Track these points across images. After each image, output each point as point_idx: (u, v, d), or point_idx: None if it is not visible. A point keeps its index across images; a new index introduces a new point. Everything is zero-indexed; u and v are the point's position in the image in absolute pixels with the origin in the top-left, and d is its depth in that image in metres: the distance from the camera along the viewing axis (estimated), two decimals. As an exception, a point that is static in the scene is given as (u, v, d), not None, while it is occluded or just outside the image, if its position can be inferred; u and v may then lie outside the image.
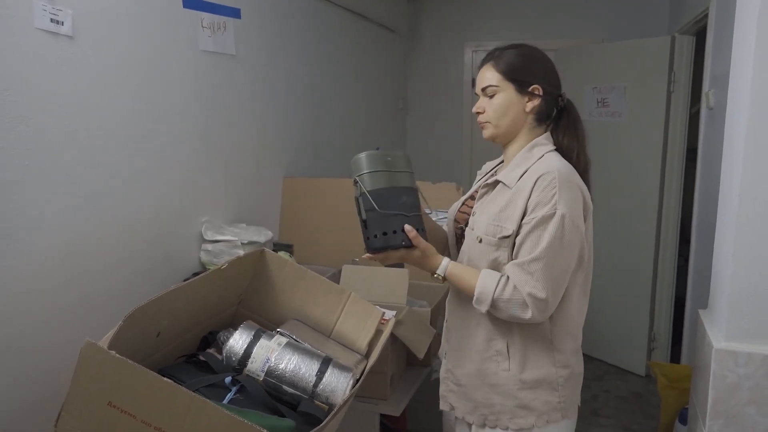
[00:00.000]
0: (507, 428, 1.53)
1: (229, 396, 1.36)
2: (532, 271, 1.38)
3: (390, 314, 1.84)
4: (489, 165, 1.73)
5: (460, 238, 1.65)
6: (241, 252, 2.16)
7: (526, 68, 1.50)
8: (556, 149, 1.52)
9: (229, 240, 2.22)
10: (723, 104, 2.54)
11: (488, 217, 1.49)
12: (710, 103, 2.87)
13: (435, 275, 1.50)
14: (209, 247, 2.24)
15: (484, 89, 1.54)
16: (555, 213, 1.38)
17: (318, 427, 1.24)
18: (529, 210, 1.42)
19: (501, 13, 4.66)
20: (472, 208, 1.62)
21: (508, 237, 1.44)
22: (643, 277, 3.75)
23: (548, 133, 1.54)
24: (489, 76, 1.53)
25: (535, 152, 1.50)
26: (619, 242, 3.76)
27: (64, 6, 1.64)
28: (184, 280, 1.58)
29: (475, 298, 1.44)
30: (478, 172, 1.77)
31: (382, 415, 1.90)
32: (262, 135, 2.72)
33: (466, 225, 1.60)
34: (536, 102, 1.50)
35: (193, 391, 1.22)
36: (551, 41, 4.49)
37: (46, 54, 1.61)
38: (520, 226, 1.43)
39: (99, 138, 1.80)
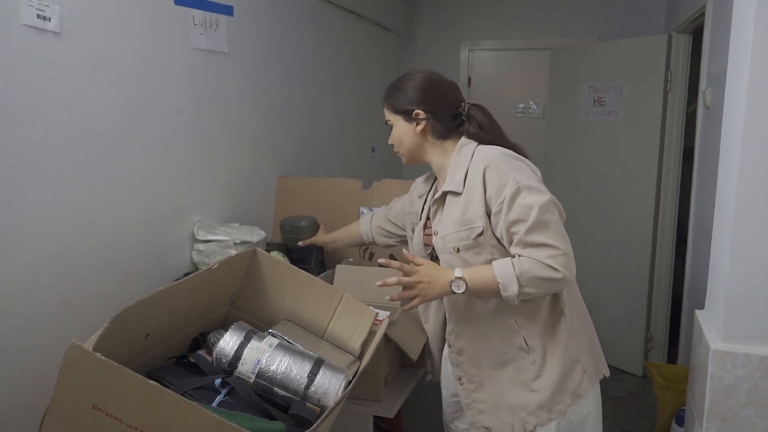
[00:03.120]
0: (548, 421, 1.54)
1: (218, 398, 1.34)
2: (534, 240, 1.43)
3: (384, 315, 1.82)
4: (421, 184, 1.81)
5: (434, 260, 1.66)
6: (234, 252, 2.14)
7: (404, 98, 1.64)
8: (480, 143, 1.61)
9: (222, 240, 2.20)
10: (720, 103, 2.52)
11: (453, 227, 1.54)
12: (707, 101, 2.85)
13: (454, 282, 1.47)
14: (201, 246, 2.22)
15: (386, 123, 1.70)
16: (518, 186, 1.45)
17: (309, 430, 1.22)
18: (492, 200, 1.48)
19: (496, 12, 4.64)
20: (431, 229, 1.66)
21: (482, 233, 1.50)
22: (640, 277, 3.73)
23: (463, 138, 1.63)
24: (385, 112, 1.69)
25: (464, 152, 1.59)
26: (616, 242, 3.74)
27: (52, 2, 1.61)
28: (176, 281, 1.56)
29: (501, 287, 1.44)
30: (413, 190, 1.85)
31: (376, 417, 1.88)
32: (255, 134, 2.69)
33: (433, 247, 1.64)
34: (423, 124, 1.62)
35: (182, 394, 1.21)
36: (547, 40, 4.49)
37: (33, 51, 1.59)
38: (488, 221, 1.49)
39: (87, 136, 1.78)
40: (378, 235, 2.05)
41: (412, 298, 1.52)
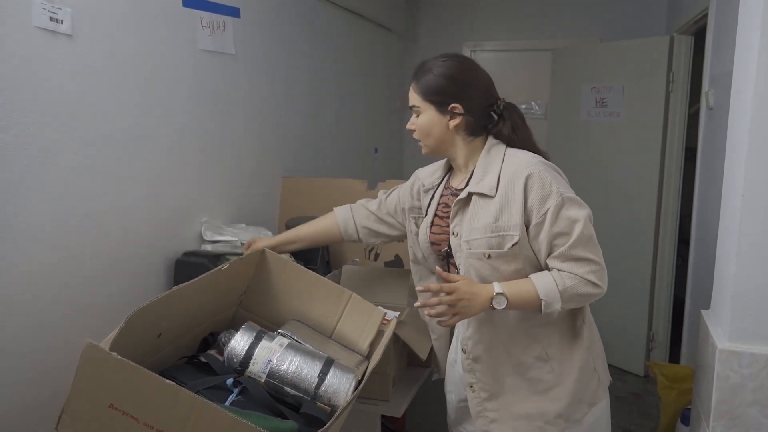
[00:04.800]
0: (564, 430, 1.52)
1: (231, 398, 1.35)
2: (578, 254, 1.42)
3: (392, 315, 1.83)
4: (427, 176, 1.69)
5: (444, 259, 1.63)
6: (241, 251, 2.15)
7: (443, 88, 1.50)
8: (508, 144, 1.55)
9: (229, 240, 2.20)
10: (722, 104, 2.54)
11: (481, 232, 1.47)
12: (710, 103, 2.87)
13: (495, 298, 1.42)
14: (209, 247, 2.22)
15: (411, 108, 1.57)
16: (562, 198, 1.42)
17: (322, 429, 1.23)
18: (532, 210, 1.43)
19: (498, 12, 4.65)
20: (443, 228, 1.60)
21: (517, 243, 1.45)
22: (642, 277, 3.75)
23: (491, 138, 1.55)
24: (412, 95, 1.56)
25: (493, 154, 1.52)
26: (618, 242, 3.75)
27: (64, 4, 1.63)
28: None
29: (543, 304, 1.42)
30: (415, 182, 1.73)
31: (382, 417, 1.89)
32: (260, 135, 2.70)
33: (449, 246, 1.58)
34: (458, 120, 1.51)
35: (195, 393, 1.21)
36: (549, 41, 4.50)
37: (45, 53, 1.60)
38: (525, 230, 1.45)
39: (97, 137, 1.79)
40: (365, 236, 1.87)
41: (448, 314, 1.45)
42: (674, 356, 3.62)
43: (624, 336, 3.79)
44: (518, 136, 1.53)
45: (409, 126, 1.59)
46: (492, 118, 1.54)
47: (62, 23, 1.62)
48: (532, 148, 1.54)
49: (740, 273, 1.57)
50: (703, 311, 1.82)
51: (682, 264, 3.58)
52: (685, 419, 2.34)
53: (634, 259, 3.75)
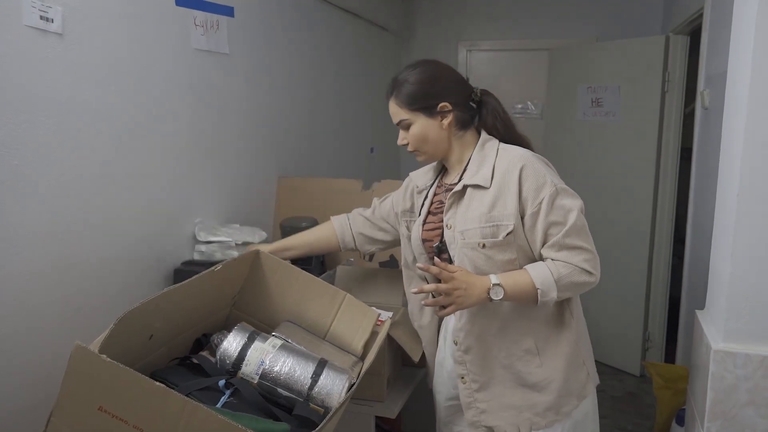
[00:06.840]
0: (553, 423, 1.54)
1: (222, 399, 1.34)
2: (572, 243, 1.45)
3: (386, 315, 1.82)
4: (420, 177, 1.73)
5: (436, 255, 1.62)
6: (235, 253, 2.14)
7: (425, 93, 1.54)
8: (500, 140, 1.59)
9: (223, 241, 2.20)
10: (718, 104, 2.53)
11: (476, 222, 1.50)
12: (705, 102, 2.86)
13: (492, 289, 1.44)
14: (203, 248, 2.22)
15: (398, 123, 1.60)
16: (556, 188, 1.46)
17: (315, 431, 1.22)
18: (527, 200, 1.47)
19: (494, 12, 4.65)
20: (436, 224, 1.62)
21: (511, 232, 1.48)
22: (638, 277, 3.75)
23: (484, 133, 1.59)
24: (396, 111, 1.58)
25: (487, 149, 1.56)
26: (614, 242, 3.75)
27: (54, 3, 1.61)
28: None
29: (539, 292, 1.44)
30: (409, 184, 1.76)
31: (378, 417, 1.88)
32: (256, 134, 2.70)
33: (440, 241, 1.59)
34: (450, 117, 1.55)
35: (187, 395, 1.21)
36: (545, 40, 4.50)
37: (36, 52, 1.59)
38: (520, 220, 1.48)
39: (89, 137, 1.78)
40: (362, 244, 1.89)
41: (445, 304, 1.47)
42: (670, 356, 3.63)
43: (620, 336, 3.79)
44: (500, 122, 1.59)
45: (400, 142, 1.61)
46: (474, 108, 1.60)
47: (53, 22, 1.61)
48: (514, 132, 1.60)
49: (735, 273, 1.57)
50: (697, 311, 1.82)
51: (678, 263, 3.58)
52: (680, 419, 2.33)
53: (630, 259, 3.75)
